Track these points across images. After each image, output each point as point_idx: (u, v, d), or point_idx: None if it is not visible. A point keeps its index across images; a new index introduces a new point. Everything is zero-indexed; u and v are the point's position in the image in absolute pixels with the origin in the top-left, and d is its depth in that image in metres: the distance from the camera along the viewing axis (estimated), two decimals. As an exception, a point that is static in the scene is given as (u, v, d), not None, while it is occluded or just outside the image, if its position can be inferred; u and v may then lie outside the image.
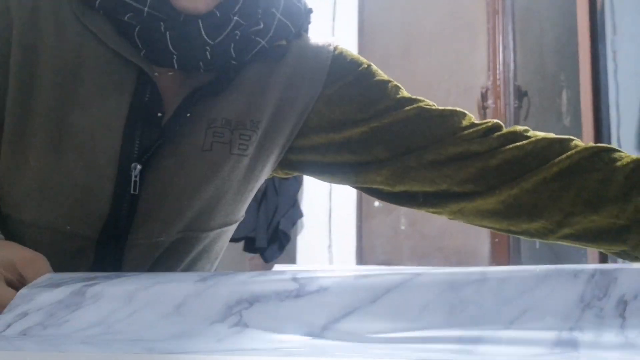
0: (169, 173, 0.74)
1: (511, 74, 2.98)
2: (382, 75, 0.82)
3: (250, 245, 2.84)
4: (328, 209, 2.98)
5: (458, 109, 0.79)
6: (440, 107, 0.79)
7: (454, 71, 3.10)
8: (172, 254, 0.77)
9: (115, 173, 0.72)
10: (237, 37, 0.74)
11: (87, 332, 0.50)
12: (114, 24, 0.73)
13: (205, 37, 0.72)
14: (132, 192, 0.72)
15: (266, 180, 3.08)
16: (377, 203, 3.11)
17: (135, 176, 0.72)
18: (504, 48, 3.01)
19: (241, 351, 0.42)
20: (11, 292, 0.58)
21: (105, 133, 0.72)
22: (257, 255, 2.86)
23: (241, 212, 0.84)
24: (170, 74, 0.75)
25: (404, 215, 3.08)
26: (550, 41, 2.68)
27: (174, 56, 0.72)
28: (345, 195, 2.99)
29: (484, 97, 3.03)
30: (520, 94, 2.91)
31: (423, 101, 0.80)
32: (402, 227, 3.08)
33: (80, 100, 0.72)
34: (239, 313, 0.51)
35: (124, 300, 0.53)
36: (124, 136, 0.72)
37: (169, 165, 0.74)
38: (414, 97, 0.81)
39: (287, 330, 0.50)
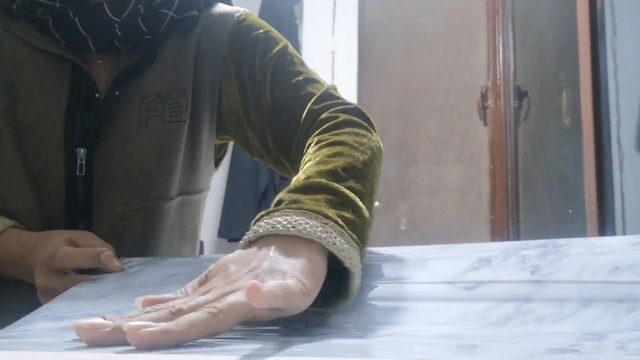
0: (114, 151, 0.82)
1: (511, 74, 2.97)
2: (277, 43, 0.86)
3: (250, 245, 2.84)
4: (328, 209, 2.97)
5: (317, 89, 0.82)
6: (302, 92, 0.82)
7: (454, 71, 3.10)
8: (139, 226, 0.84)
9: (63, 159, 0.81)
10: (142, 11, 0.82)
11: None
12: (35, 26, 0.82)
13: (111, 15, 0.81)
14: (77, 173, 0.81)
15: (266, 180, 3.05)
16: (377, 203, 3.11)
17: (81, 159, 0.81)
18: (504, 48, 3.01)
19: (240, 351, 0.42)
20: (73, 249, 0.71)
21: (49, 124, 0.81)
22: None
23: (201, 183, 0.90)
24: (99, 62, 0.84)
25: (404, 215, 3.08)
26: (550, 41, 2.68)
27: (88, 39, 0.81)
28: (345, 195, 2.99)
29: (484, 97, 3.03)
30: (520, 94, 2.90)
31: (301, 74, 0.84)
32: (402, 227, 3.07)
33: (23, 99, 0.82)
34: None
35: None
36: (65, 125, 0.81)
37: (112, 145, 0.82)
38: (296, 70, 0.84)
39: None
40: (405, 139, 3.12)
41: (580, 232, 2.13)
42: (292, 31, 2.98)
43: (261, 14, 2.98)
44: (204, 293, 0.46)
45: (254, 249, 0.52)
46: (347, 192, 0.59)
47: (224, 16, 0.88)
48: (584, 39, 2.09)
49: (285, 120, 0.81)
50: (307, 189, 0.58)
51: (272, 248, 0.51)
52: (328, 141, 0.69)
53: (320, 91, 0.81)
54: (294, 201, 0.56)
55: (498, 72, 3.01)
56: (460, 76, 3.09)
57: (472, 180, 3.04)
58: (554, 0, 2.65)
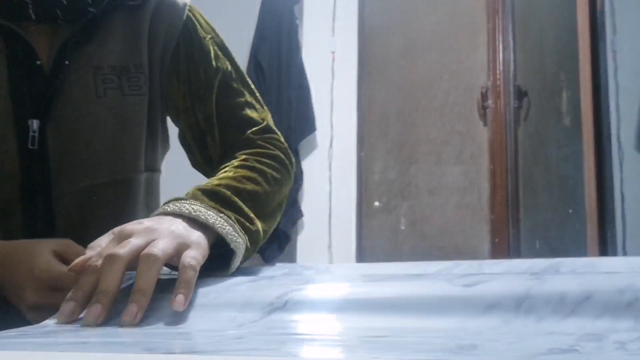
0: (69, 122, 0.79)
1: (511, 74, 2.98)
2: (226, 54, 0.92)
3: (250, 245, 2.84)
4: (328, 209, 2.98)
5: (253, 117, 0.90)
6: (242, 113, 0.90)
7: (454, 71, 3.10)
8: (110, 201, 0.82)
9: (14, 132, 0.76)
10: None
11: (87, 332, 0.50)
12: None
13: None
14: (30, 146, 0.76)
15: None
16: (377, 203, 3.11)
17: (34, 131, 0.76)
18: (504, 48, 3.01)
19: (241, 351, 0.42)
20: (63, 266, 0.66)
21: None
22: (257, 255, 2.86)
23: (159, 162, 0.92)
24: (32, 28, 0.79)
25: (404, 215, 3.08)
26: (550, 41, 2.68)
27: (29, 5, 0.77)
28: (345, 195, 2.99)
29: (484, 97, 3.03)
30: (520, 94, 2.91)
31: (243, 96, 0.91)
32: (402, 227, 3.08)
33: None
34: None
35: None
36: (11, 95, 0.76)
37: (67, 116, 0.79)
38: (240, 89, 0.91)
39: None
40: (405, 139, 3.12)
41: (580, 232, 2.13)
42: (292, 31, 2.98)
43: (261, 14, 2.98)
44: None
45: (164, 217, 0.65)
46: (245, 207, 0.74)
47: (175, 3, 0.90)
48: (584, 39, 2.10)
49: (223, 131, 0.89)
50: (214, 194, 0.72)
51: (180, 221, 0.64)
52: (251, 165, 0.83)
53: (264, 122, 0.90)
54: (197, 197, 0.70)
55: (498, 72, 3.01)
56: (460, 76, 3.09)
57: (472, 180, 3.04)
58: (554, 0, 2.65)
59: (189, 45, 0.90)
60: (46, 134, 0.78)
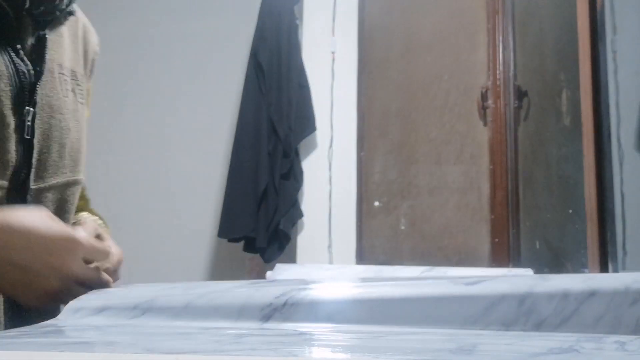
0: (47, 115, 0.78)
1: (511, 74, 2.98)
2: None
3: (250, 245, 2.83)
4: (328, 209, 2.98)
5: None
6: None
7: (454, 71, 3.10)
8: (67, 201, 0.83)
9: (14, 120, 0.74)
10: None
11: (87, 332, 0.50)
12: None
13: None
14: (25, 136, 0.74)
15: (266, 180, 3.06)
16: (377, 203, 3.11)
17: (29, 120, 0.74)
18: (504, 48, 3.01)
19: (241, 351, 0.42)
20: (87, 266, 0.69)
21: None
22: (257, 255, 2.86)
23: None
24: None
25: (404, 215, 3.08)
26: (550, 41, 2.68)
27: None
28: (345, 195, 2.99)
29: (484, 97, 3.03)
30: (520, 94, 2.91)
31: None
32: (402, 227, 3.07)
33: None
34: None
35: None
36: (12, 81, 0.73)
37: (45, 108, 0.77)
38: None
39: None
40: (405, 139, 3.12)
41: (580, 232, 2.13)
42: (292, 31, 2.98)
43: (261, 14, 2.98)
44: None
45: None
46: None
47: (93, 30, 0.93)
48: (584, 39, 2.10)
49: None
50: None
51: None
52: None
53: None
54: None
55: (498, 72, 3.01)
56: (460, 76, 3.09)
57: (472, 180, 3.04)
58: (554, 0, 2.65)
59: (93, 79, 0.95)
60: (34, 125, 0.76)
